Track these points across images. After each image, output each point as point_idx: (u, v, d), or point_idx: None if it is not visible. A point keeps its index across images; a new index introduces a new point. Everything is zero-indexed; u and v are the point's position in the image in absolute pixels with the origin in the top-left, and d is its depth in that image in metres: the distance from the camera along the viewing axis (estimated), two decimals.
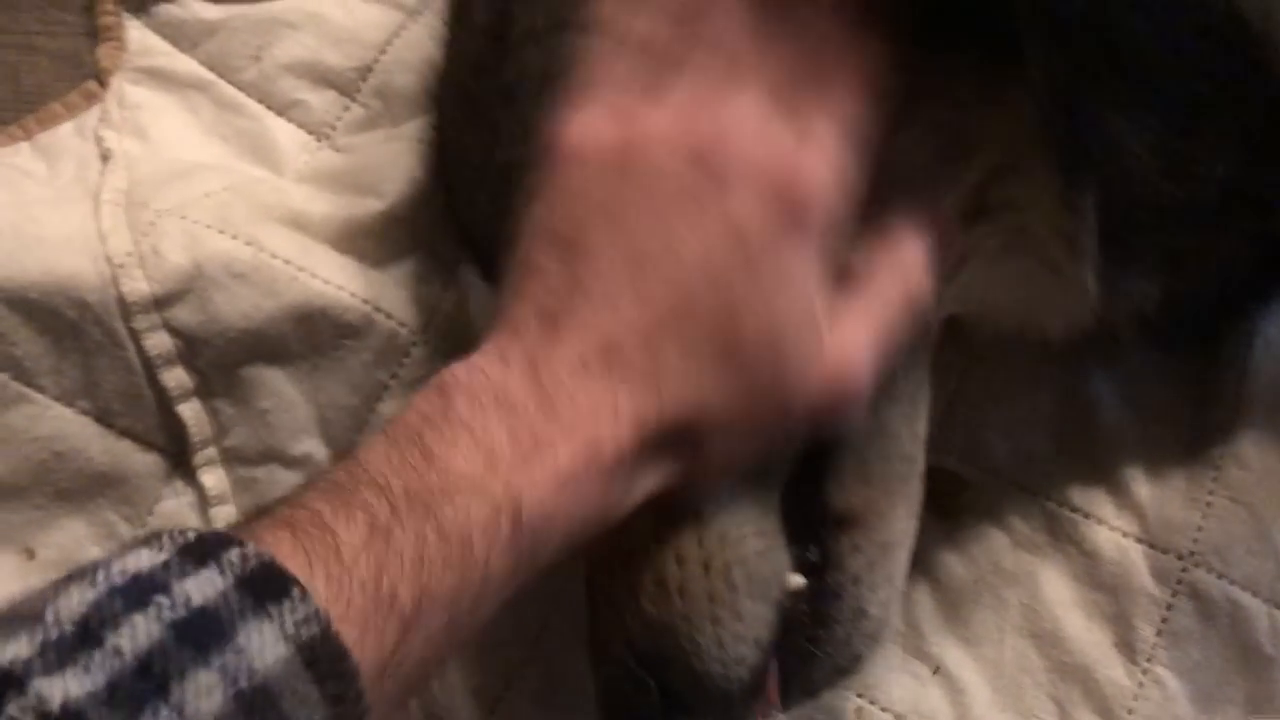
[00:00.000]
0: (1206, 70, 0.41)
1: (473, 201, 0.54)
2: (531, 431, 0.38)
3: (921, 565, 0.58)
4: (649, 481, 0.41)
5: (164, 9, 0.67)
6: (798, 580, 0.46)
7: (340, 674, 0.33)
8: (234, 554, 0.34)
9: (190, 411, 0.58)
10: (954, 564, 0.59)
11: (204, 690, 0.31)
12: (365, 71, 0.65)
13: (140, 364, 0.57)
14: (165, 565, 0.33)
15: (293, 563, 0.34)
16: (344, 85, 0.65)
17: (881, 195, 0.42)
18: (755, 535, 0.45)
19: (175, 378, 0.57)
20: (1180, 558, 0.56)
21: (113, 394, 0.57)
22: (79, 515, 0.58)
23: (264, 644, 0.32)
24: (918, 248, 0.44)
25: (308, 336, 0.58)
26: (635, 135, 0.40)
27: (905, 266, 0.43)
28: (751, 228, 0.39)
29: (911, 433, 0.49)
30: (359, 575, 0.34)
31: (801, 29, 0.40)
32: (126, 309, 0.56)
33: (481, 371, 0.40)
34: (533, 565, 0.39)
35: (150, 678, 0.31)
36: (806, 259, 0.40)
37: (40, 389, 0.57)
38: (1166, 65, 0.41)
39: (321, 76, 0.65)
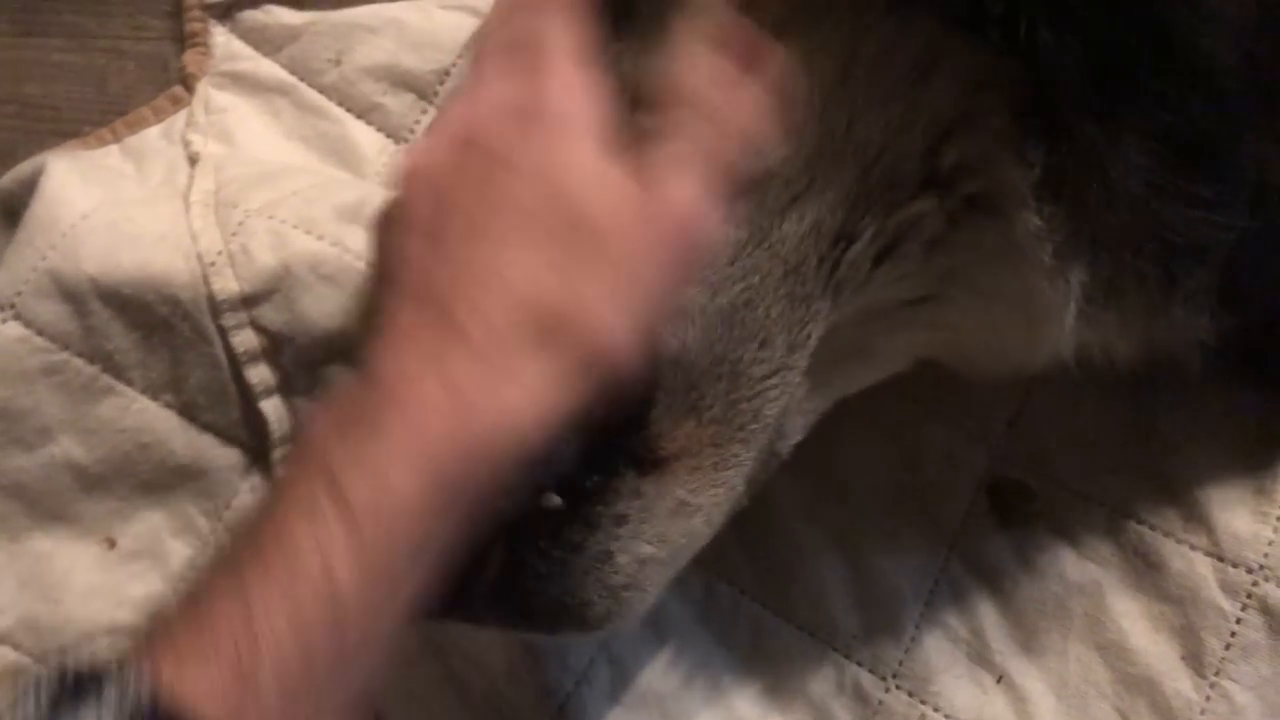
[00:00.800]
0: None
1: None
2: (362, 416, 0.36)
3: (986, 574, 0.59)
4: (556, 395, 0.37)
5: (248, 15, 0.68)
6: (554, 500, 0.42)
7: None
8: (113, 692, 0.32)
9: (272, 408, 0.59)
10: (1019, 574, 0.59)
11: None
12: (443, 75, 0.67)
13: (226, 360, 0.59)
14: (50, 709, 0.32)
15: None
16: (422, 88, 0.67)
17: None
18: None
19: (259, 374, 0.59)
20: (1250, 571, 0.56)
21: (198, 389, 0.59)
22: (159, 507, 0.60)
23: None
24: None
25: None
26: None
27: (723, 108, 0.41)
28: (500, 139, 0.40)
29: (770, 384, 0.43)
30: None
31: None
32: (216, 306, 0.58)
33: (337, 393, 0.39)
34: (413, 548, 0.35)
35: None
36: (568, 143, 0.39)
37: (129, 382, 0.59)
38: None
39: (400, 80, 0.67)
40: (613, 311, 0.38)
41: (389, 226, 0.43)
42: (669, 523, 0.43)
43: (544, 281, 0.38)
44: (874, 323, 0.46)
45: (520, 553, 0.42)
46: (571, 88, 0.41)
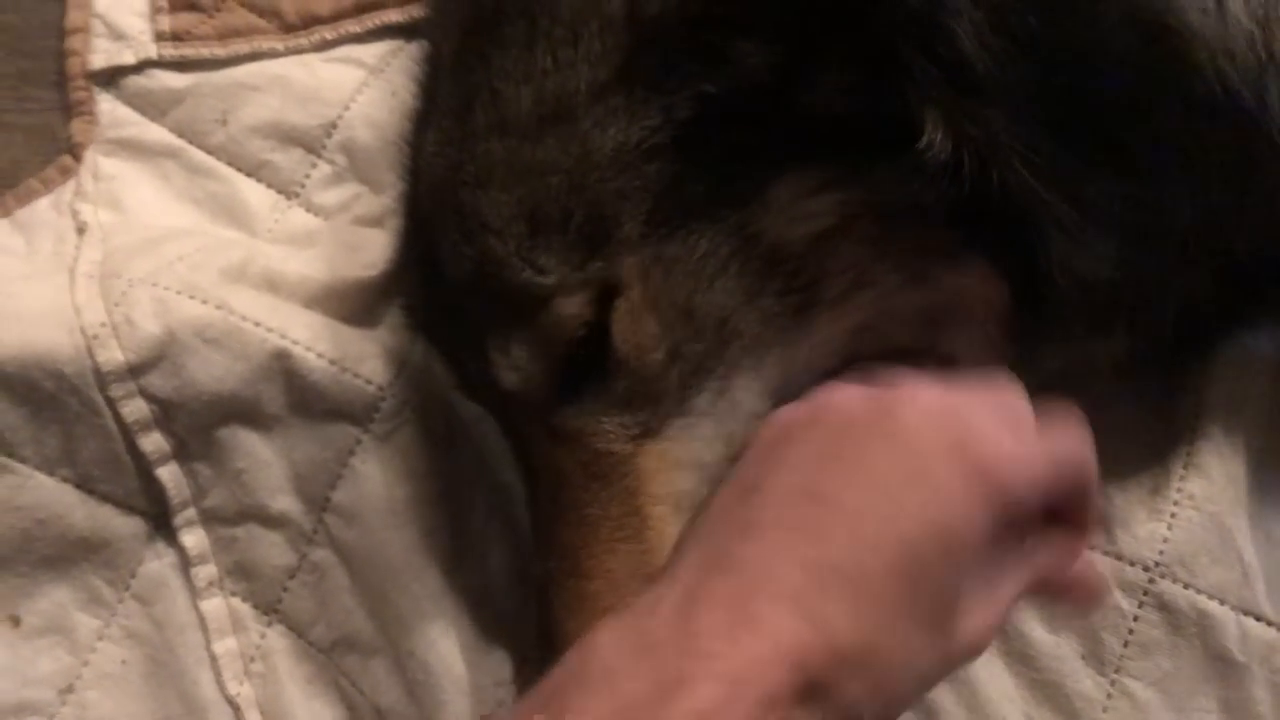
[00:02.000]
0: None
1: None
2: (672, 670, 0.37)
3: None
4: None
5: (132, 80, 0.69)
6: None
7: None
8: None
9: (169, 474, 0.59)
10: None
11: None
12: (330, 128, 0.67)
13: (118, 431, 0.58)
14: None
15: None
16: (310, 143, 0.67)
17: None
18: None
19: (153, 442, 0.59)
20: (1146, 569, 0.57)
21: (92, 461, 0.59)
22: (63, 581, 0.60)
23: None
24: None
25: (279, 396, 0.59)
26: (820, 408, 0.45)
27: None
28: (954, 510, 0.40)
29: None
30: None
31: None
32: (102, 378, 0.58)
33: (626, 620, 0.39)
34: None
35: None
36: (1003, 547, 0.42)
37: (22, 459, 0.59)
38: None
39: (287, 136, 0.67)
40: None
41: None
42: None
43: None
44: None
45: None
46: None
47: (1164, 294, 0.51)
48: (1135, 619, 0.57)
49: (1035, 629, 0.57)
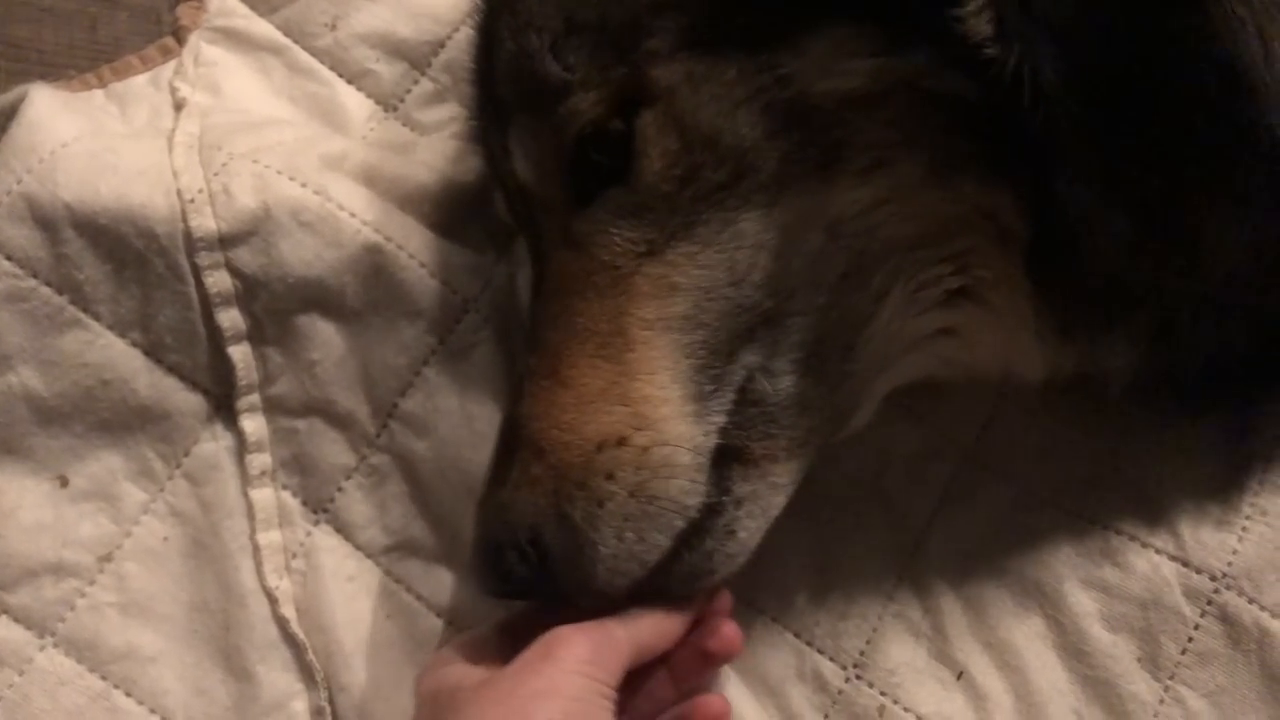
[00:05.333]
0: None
1: None
2: None
3: (950, 572, 0.59)
4: None
5: None
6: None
7: None
8: None
9: (240, 354, 0.58)
10: (983, 573, 0.59)
11: None
12: (438, 46, 0.67)
13: (198, 301, 0.58)
14: None
15: None
16: (416, 58, 0.67)
17: None
18: (688, 475, 0.48)
19: (230, 319, 0.58)
20: (1214, 579, 0.56)
21: (166, 329, 0.58)
22: (116, 448, 0.58)
23: None
24: None
25: (365, 292, 0.59)
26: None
27: None
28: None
29: (840, 404, 0.52)
30: None
31: None
32: (192, 244, 0.57)
33: None
34: None
35: None
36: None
37: (96, 316, 0.58)
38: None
39: (394, 48, 0.67)
40: None
41: None
42: (769, 498, 0.51)
43: None
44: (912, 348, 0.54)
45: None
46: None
47: (1186, 320, 0.51)
48: (1196, 627, 0.56)
49: (1094, 626, 0.56)
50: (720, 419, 0.49)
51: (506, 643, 0.49)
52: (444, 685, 0.48)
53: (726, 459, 0.50)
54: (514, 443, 0.50)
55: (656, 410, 0.48)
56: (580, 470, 0.48)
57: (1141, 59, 0.44)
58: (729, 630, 0.52)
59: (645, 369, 0.49)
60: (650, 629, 0.50)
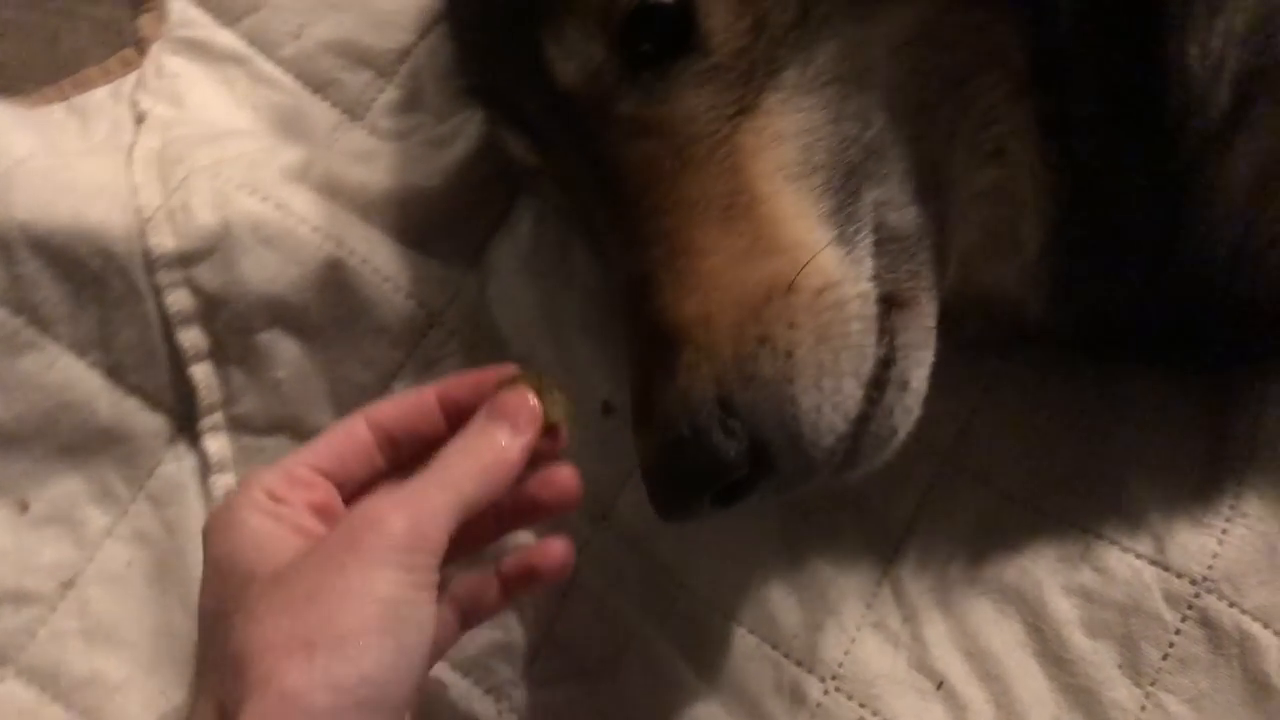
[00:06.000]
0: None
1: None
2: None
3: (929, 580, 0.58)
4: None
5: None
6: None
7: None
8: None
9: (202, 373, 0.57)
10: (962, 580, 0.58)
11: None
12: (404, 54, 0.66)
13: (158, 320, 0.57)
14: None
15: None
16: (382, 66, 0.66)
17: None
18: (863, 316, 0.46)
19: (191, 338, 0.57)
20: (1194, 583, 0.56)
21: (126, 349, 0.57)
22: (77, 471, 0.57)
23: None
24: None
25: (328, 308, 0.58)
26: None
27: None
28: None
29: (944, 246, 0.51)
30: None
31: None
32: (151, 263, 0.56)
33: None
34: None
35: None
36: None
37: (54, 337, 0.57)
38: None
39: (360, 56, 0.66)
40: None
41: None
42: (928, 340, 0.49)
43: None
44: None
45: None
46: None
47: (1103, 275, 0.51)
48: (1177, 632, 0.55)
49: (1075, 633, 0.56)
50: (869, 259, 0.47)
51: (303, 499, 0.45)
52: (234, 569, 0.43)
53: (885, 306, 0.47)
54: (662, 339, 0.45)
55: (812, 243, 0.46)
56: (757, 325, 0.44)
57: None
58: (564, 478, 0.49)
59: (786, 215, 0.46)
60: (474, 480, 0.45)
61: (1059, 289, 0.52)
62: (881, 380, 0.47)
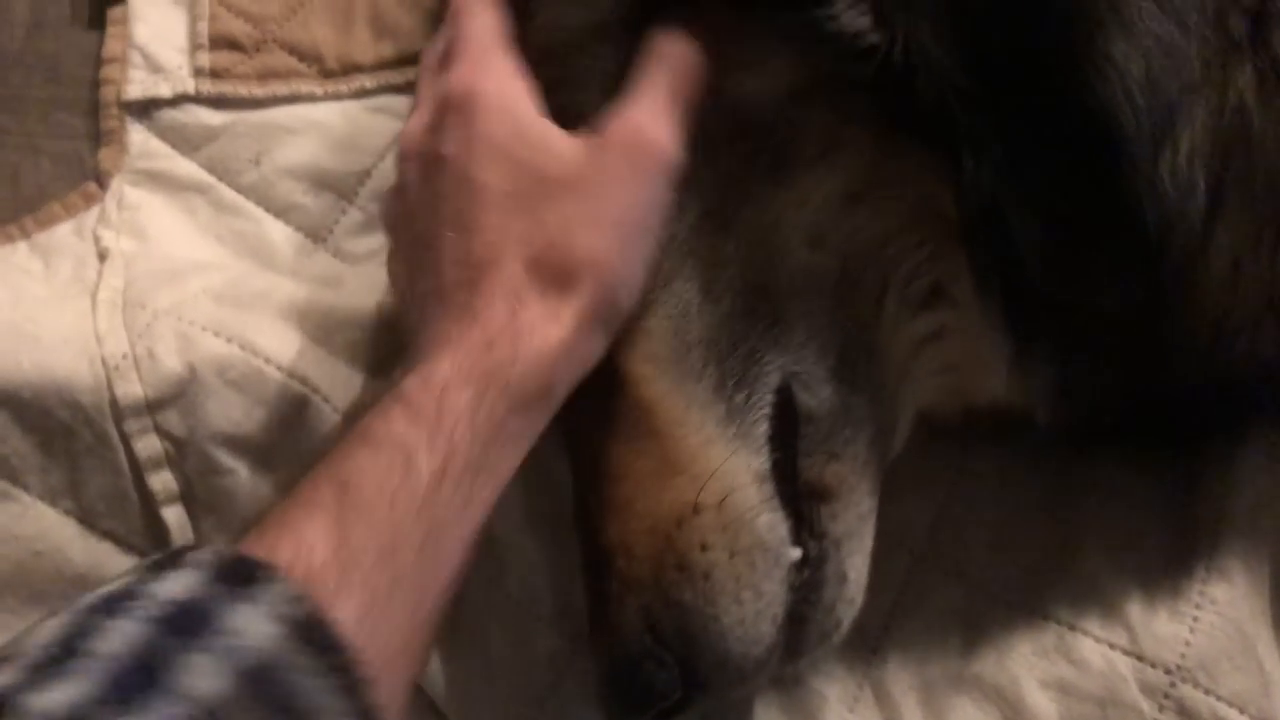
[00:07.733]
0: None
1: None
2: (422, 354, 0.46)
3: (909, 679, 0.58)
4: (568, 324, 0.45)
5: (166, 114, 0.68)
6: (795, 553, 0.49)
7: (334, 646, 0.36)
8: (205, 553, 0.38)
9: (174, 516, 0.57)
10: (937, 676, 0.58)
11: (201, 672, 0.33)
12: (364, 176, 0.66)
13: (128, 467, 0.57)
14: (136, 579, 0.37)
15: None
16: (343, 189, 0.66)
17: None
18: (765, 507, 0.47)
19: (162, 481, 0.57)
20: (1168, 672, 0.56)
21: (97, 496, 0.57)
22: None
23: (250, 625, 0.35)
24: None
25: (292, 446, 0.58)
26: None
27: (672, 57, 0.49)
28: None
29: (881, 417, 0.52)
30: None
31: None
32: (119, 412, 0.56)
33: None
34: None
35: (140, 671, 0.33)
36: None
37: (25, 488, 0.57)
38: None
39: (320, 180, 0.66)
40: (599, 239, 0.46)
41: (397, 202, 0.52)
42: (864, 530, 0.51)
43: (536, 241, 0.46)
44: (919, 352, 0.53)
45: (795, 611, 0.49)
46: (494, 70, 0.50)
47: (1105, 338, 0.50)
48: None
49: None
50: (764, 426, 0.48)
51: None
52: (521, 157, 0.48)
53: (808, 500, 0.49)
54: (596, 564, 0.48)
55: (706, 458, 0.47)
56: (673, 553, 0.47)
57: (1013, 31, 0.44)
58: None
59: (671, 419, 0.48)
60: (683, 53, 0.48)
61: (1052, 395, 0.52)
62: (817, 580, 0.48)
